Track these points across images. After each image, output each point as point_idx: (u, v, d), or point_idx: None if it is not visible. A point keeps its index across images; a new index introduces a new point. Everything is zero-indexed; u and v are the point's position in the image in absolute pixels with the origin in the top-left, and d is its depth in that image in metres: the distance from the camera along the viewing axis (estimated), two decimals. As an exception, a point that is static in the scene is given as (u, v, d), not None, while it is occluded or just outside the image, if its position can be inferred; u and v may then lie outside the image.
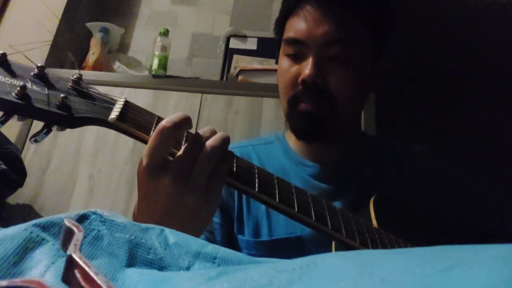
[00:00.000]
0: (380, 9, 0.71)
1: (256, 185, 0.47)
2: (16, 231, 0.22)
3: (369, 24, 0.69)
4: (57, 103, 0.40)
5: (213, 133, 0.47)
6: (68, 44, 1.60)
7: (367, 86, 0.74)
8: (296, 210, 0.48)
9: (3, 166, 1.07)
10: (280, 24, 0.75)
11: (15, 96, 0.38)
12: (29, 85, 0.40)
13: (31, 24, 1.48)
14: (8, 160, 1.10)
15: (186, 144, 0.45)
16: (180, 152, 0.44)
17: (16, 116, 0.39)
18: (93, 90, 0.45)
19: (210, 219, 0.48)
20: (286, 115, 0.73)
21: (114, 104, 0.45)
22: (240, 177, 0.47)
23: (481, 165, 1.43)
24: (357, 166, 0.76)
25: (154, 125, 0.45)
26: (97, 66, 1.52)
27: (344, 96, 0.67)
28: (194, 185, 0.43)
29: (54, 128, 0.42)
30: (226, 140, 0.46)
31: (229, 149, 0.78)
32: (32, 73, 0.41)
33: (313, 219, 0.48)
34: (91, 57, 1.54)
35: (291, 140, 0.79)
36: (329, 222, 0.49)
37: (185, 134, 0.46)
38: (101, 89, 1.56)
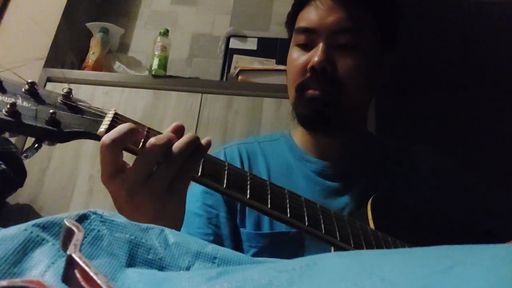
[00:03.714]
0: (389, 3, 0.73)
1: (248, 191, 0.47)
2: (16, 231, 0.22)
3: (378, 17, 0.71)
4: (46, 119, 0.41)
5: (179, 130, 0.46)
6: (68, 44, 1.60)
7: (374, 80, 0.74)
8: (288, 215, 0.48)
9: (3, 166, 1.07)
10: (292, 18, 0.77)
11: (5, 114, 0.38)
12: (19, 101, 0.40)
13: (23, 43, 1.48)
14: (8, 160, 1.10)
15: (140, 149, 0.44)
16: (134, 161, 0.44)
17: (7, 133, 0.40)
18: (83, 104, 0.45)
19: (177, 218, 0.48)
20: (293, 103, 0.73)
21: (103, 117, 0.45)
22: (231, 185, 0.47)
23: (482, 165, 1.43)
24: (361, 164, 0.76)
25: (144, 136, 0.45)
26: (97, 66, 1.52)
27: (351, 84, 0.68)
28: (151, 189, 0.43)
29: (45, 143, 0.42)
30: (191, 142, 0.45)
31: (235, 146, 0.79)
32: (23, 89, 0.42)
33: (306, 224, 0.48)
34: (91, 57, 1.53)
35: (297, 137, 0.80)
36: (322, 226, 0.49)
37: (145, 134, 0.45)
38: (101, 89, 1.55)
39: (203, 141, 0.47)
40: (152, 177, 0.43)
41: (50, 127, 0.41)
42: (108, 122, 0.44)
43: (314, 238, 0.50)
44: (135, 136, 0.44)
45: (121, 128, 0.42)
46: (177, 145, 0.44)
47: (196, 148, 0.46)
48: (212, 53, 1.70)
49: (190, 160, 0.45)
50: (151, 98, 1.37)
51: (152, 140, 0.43)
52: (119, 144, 0.42)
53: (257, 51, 1.54)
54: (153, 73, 1.42)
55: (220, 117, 1.33)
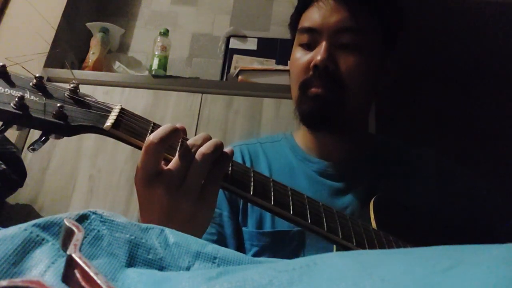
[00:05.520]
0: (392, 4, 0.74)
1: (251, 188, 0.47)
2: (16, 231, 0.22)
3: (381, 17, 0.71)
4: (54, 112, 0.41)
5: (206, 139, 0.47)
6: (68, 44, 1.60)
7: (376, 80, 0.74)
8: (291, 212, 0.48)
9: (3, 166, 1.07)
10: (295, 19, 0.77)
11: (13, 107, 0.39)
12: (27, 95, 0.41)
13: (28, 35, 1.48)
14: (8, 160, 1.10)
15: (178, 153, 0.46)
16: (172, 162, 0.45)
17: (15, 126, 0.40)
18: (90, 99, 0.46)
19: (207, 222, 0.50)
20: (296, 102, 0.73)
21: (110, 112, 0.46)
22: (235, 181, 0.48)
23: (482, 165, 1.43)
24: (363, 165, 0.76)
25: (149, 132, 0.46)
26: (97, 66, 1.52)
27: (353, 83, 0.68)
28: (187, 192, 0.44)
29: (52, 136, 0.43)
30: (218, 146, 0.47)
31: (237, 146, 0.79)
32: (30, 84, 0.42)
33: (309, 221, 0.49)
34: (91, 57, 1.53)
35: (298, 138, 0.80)
36: (325, 224, 0.50)
37: (180, 140, 0.47)
38: (101, 89, 1.55)
39: (226, 149, 0.49)
40: (187, 179, 0.45)
41: (57, 121, 0.41)
42: (115, 117, 0.45)
43: (316, 236, 0.50)
44: (179, 135, 0.46)
45: (166, 127, 0.44)
46: (204, 150, 0.46)
47: (221, 153, 0.47)
48: (212, 53, 1.70)
49: (217, 164, 0.46)
50: (151, 98, 1.37)
51: (190, 141, 0.46)
52: (165, 143, 0.43)
53: (257, 51, 1.54)
54: (153, 73, 1.42)
55: (220, 117, 1.33)
